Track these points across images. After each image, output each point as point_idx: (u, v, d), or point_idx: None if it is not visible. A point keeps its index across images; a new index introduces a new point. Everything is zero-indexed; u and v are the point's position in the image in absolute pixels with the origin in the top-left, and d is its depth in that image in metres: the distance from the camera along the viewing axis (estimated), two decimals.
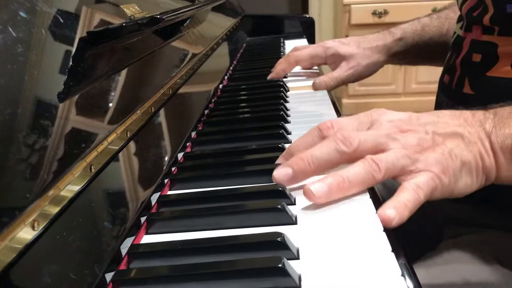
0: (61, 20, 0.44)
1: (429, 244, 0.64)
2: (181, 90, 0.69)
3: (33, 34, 0.39)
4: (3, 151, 0.31)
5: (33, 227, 0.30)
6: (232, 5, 1.43)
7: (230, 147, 0.59)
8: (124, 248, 0.38)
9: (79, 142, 0.39)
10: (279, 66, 0.93)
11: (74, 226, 0.35)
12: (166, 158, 0.53)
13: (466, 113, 0.46)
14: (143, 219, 0.42)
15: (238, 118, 0.72)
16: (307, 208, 0.42)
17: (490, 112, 0.46)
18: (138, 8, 0.60)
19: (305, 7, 2.96)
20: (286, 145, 0.52)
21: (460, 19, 0.71)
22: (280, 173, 0.44)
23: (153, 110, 0.56)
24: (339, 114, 0.71)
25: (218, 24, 1.18)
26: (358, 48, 0.88)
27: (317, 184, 0.41)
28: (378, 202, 0.41)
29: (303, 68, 0.96)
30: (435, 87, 0.78)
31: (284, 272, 0.32)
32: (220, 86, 0.91)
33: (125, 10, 0.57)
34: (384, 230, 0.37)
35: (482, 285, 0.54)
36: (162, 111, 0.59)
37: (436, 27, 0.88)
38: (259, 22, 1.53)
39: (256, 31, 1.50)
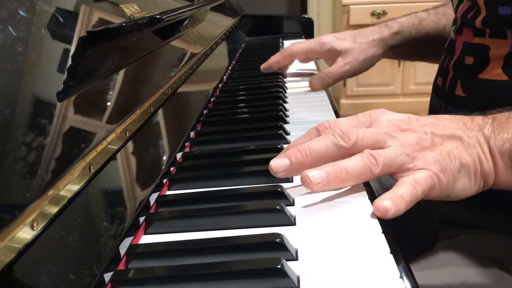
0: (61, 19, 0.44)
1: (424, 245, 0.64)
2: (180, 90, 0.69)
3: (32, 33, 0.39)
4: (2, 151, 0.31)
5: (32, 227, 0.30)
6: (231, 5, 1.43)
7: (229, 148, 0.59)
8: (123, 248, 0.38)
9: (78, 142, 0.39)
10: (273, 58, 0.93)
11: (73, 226, 0.35)
12: (165, 158, 0.53)
13: (465, 118, 0.47)
14: (141, 219, 0.42)
15: (236, 118, 0.72)
16: (305, 209, 0.42)
17: (489, 117, 0.46)
18: (137, 8, 0.60)
19: (304, 8, 2.96)
20: (285, 146, 0.52)
21: (454, 22, 0.71)
22: (277, 163, 0.44)
23: (152, 110, 0.56)
24: (337, 115, 0.71)
25: (217, 24, 1.18)
26: (355, 42, 0.87)
27: (315, 171, 0.42)
28: None
29: (300, 62, 0.95)
30: None
31: (282, 273, 0.32)
32: (219, 86, 0.91)
33: (125, 9, 0.57)
34: (382, 232, 0.37)
35: (477, 286, 0.55)
36: (161, 111, 0.59)
37: (433, 22, 0.88)
38: (258, 22, 1.53)
39: (255, 31, 1.50)
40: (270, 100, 0.78)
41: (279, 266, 0.32)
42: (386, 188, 0.66)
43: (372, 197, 0.43)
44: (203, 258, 0.36)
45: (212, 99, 0.82)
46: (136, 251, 0.38)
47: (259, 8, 2.54)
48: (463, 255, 0.58)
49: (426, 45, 0.88)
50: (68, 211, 0.34)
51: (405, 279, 0.32)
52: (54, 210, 0.33)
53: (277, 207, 0.41)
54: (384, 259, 0.34)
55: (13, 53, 0.36)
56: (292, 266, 0.34)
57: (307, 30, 1.48)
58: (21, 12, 0.39)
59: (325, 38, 0.89)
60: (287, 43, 1.34)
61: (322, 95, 0.82)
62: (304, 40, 1.37)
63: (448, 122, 0.46)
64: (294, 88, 0.88)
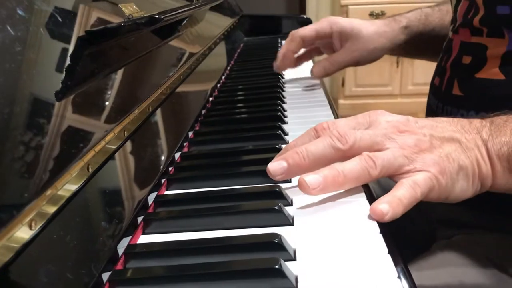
0: (59, 19, 0.44)
1: (422, 245, 0.64)
2: (178, 90, 0.69)
3: (30, 32, 0.39)
4: (0, 150, 0.31)
5: (30, 227, 0.30)
6: (230, 5, 1.43)
7: (227, 148, 0.59)
8: (121, 248, 0.38)
9: (76, 141, 0.39)
10: (285, 47, 0.87)
11: (71, 226, 0.35)
12: (163, 158, 0.53)
13: (463, 121, 0.47)
14: (140, 219, 0.42)
15: (235, 118, 0.72)
16: (304, 209, 0.42)
17: (487, 121, 0.46)
18: (136, 8, 0.60)
19: (302, 8, 2.97)
20: (283, 146, 0.52)
21: (452, 21, 0.71)
22: (275, 166, 0.44)
23: (150, 110, 0.56)
24: (336, 115, 0.71)
25: (216, 23, 1.18)
26: (367, 30, 0.84)
27: (312, 175, 0.41)
28: None
29: (306, 47, 0.90)
30: None
31: (281, 274, 0.32)
32: (218, 86, 0.91)
33: (123, 9, 0.57)
34: (380, 232, 0.37)
35: (475, 286, 0.55)
36: (159, 111, 0.59)
37: (439, 18, 0.87)
38: (257, 22, 1.53)
39: (253, 31, 1.50)
40: (268, 100, 0.78)
41: (277, 266, 0.32)
42: (384, 188, 0.66)
43: (371, 197, 0.43)
44: (201, 258, 0.36)
45: (210, 99, 0.82)
46: (134, 251, 0.38)
47: (257, 8, 2.54)
48: (461, 255, 0.58)
49: (433, 41, 0.86)
50: (66, 211, 0.34)
51: (403, 279, 0.32)
52: (52, 209, 0.33)
53: (276, 207, 0.41)
54: (382, 259, 0.34)
55: (11, 53, 0.36)
56: (290, 266, 0.34)
57: None
58: (19, 12, 0.39)
59: (333, 18, 0.85)
60: None
61: (321, 95, 0.82)
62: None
63: (446, 125, 0.46)
64: (293, 88, 0.88)
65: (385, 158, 0.42)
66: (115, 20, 0.54)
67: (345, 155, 0.43)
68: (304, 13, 2.89)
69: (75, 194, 0.36)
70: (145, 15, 0.56)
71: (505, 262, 0.56)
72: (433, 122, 0.46)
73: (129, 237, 0.40)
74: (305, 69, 0.96)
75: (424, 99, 0.77)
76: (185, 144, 0.61)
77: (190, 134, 0.65)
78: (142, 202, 0.44)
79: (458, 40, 0.67)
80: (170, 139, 0.58)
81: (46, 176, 0.33)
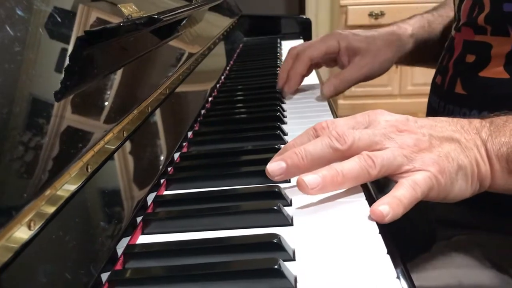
0: (58, 19, 0.44)
1: (422, 245, 0.64)
2: (177, 90, 0.69)
3: (29, 33, 0.39)
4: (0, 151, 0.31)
5: (29, 227, 0.30)
6: (229, 5, 1.43)
7: (227, 148, 0.59)
8: (120, 248, 0.38)
9: (76, 141, 0.39)
10: (295, 69, 0.80)
11: (70, 226, 0.35)
12: (162, 158, 0.53)
13: (463, 121, 0.47)
14: (139, 219, 0.42)
15: (234, 119, 0.72)
16: (303, 209, 0.42)
17: (486, 121, 0.46)
18: (135, 8, 0.60)
19: (302, 8, 2.96)
20: (282, 146, 0.52)
21: (454, 20, 0.71)
22: (273, 166, 0.44)
23: (149, 110, 0.56)
24: (335, 115, 0.71)
25: (215, 24, 1.18)
26: (372, 43, 0.79)
27: (311, 176, 0.41)
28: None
29: (314, 68, 0.85)
30: None
31: (280, 274, 0.32)
32: (217, 86, 0.91)
33: (123, 9, 0.57)
34: (379, 232, 0.37)
35: (474, 286, 0.55)
36: (158, 111, 0.59)
37: (441, 25, 0.85)
38: (256, 22, 1.53)
39: (253, 31, 1.50)
40: (268, 100, 0.78)
41: (276, 267, 0.32)
42: (383, 188, 0.66)
43: (370, 197, 0.43)
44: (200, 258, 0.36)
45: (210, 99, 0.82)
46: (133, 251, 0.38)
47: (257, 8, 2.54)
48: (460, 256, 0.58)
49: (435, 48, 0.83)
50: (65, 211, 0.34)
51: (402, 279, 0.32)
52: (51, 210, 0.33)
53: (275, 207, 0.41)
54: (381, 259, 0.34)
55: (10, 53, 0.36)
56: (289, 267, 0.34)
57: (305, 30, 1.48)
58: (18, 12, 0.39)
59: (339, 33, 0.80)
60: (285, 43, 1.34)
61: (320, 96, 0.82)
62: (302, 41, 1.37)
63: (445, 125, 0.46)
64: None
65: (385, 158, 0.42)
66: (114, 20, 0.54)
67: (344, 155, 0.43)
68: (304, 13, 2.89)
69: (74, 194, 0.36)
70: (144, 15, 0.56)
71: (505, 263, 0.56)
72: (432, 121, 0.46)
73: (128, 237, 0.40)
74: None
75: (424, 99, 0.77)
76: (184, 144, 0.61)
77: (190, 134, 0.65)
78: (141, 202, 0.44)
79: (460, 38, 0.67)
80: (169, 139, 0.58)
81: (45, 176, 0.33)
